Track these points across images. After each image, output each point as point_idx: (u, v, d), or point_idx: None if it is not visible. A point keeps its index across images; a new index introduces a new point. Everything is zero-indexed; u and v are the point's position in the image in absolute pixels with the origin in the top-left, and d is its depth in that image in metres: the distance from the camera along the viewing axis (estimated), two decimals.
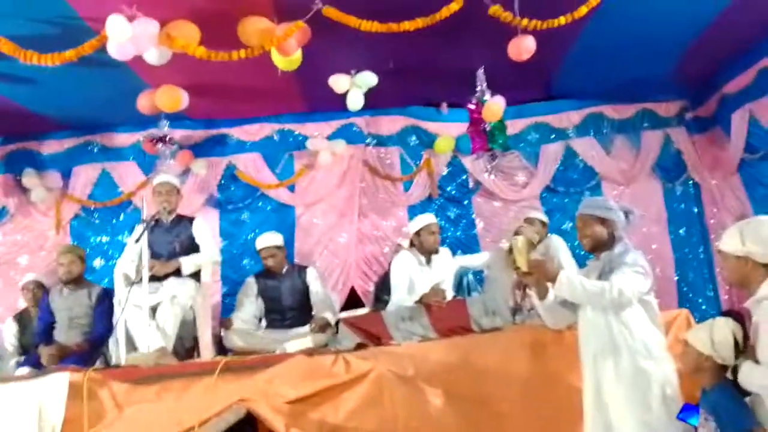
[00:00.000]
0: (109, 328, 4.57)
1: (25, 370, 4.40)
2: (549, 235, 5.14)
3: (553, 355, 3.55)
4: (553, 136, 6.36)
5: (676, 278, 6.22)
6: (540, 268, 3.10)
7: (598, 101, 6.32)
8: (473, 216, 6.33)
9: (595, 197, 3.72)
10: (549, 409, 3.40)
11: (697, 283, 6.23)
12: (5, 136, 6.08)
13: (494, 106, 5.12)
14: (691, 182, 6.41)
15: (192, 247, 4.74)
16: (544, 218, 5.32)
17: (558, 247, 4.88)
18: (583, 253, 6.01)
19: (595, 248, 3.20)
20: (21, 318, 5.39)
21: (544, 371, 3.51)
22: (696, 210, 6.39)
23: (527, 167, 6.32)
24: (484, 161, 5.82)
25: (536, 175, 6.28)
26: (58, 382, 3.36)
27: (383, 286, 5.39)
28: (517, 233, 4.84)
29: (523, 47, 4.18)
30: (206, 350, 4.53)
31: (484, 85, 5.14)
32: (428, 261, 4.80)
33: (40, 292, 5.28)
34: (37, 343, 4.69)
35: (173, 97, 4.97)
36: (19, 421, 3.28)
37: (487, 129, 5.25)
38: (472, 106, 5.24)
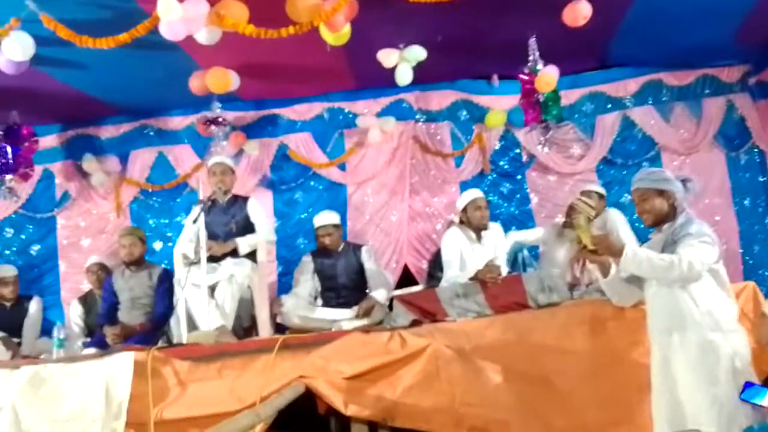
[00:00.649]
0: (170, 308, 4.69)
1: (91, 350, 4.54)
2: (607, 208, 5.01)
3: (614, 331, 3.47)
4: (609, 105, 6.15)
5: (741, 251, 5.98)
6: (604, 244, 3.01)
7: (657, 68, 6.08)
8: (527, 191, 6.21)
9: (650, 168, 3.57)
10: (610, 386, 3.33)
11: (763, 255, 5.97)
12: (64, 123, 6.27)
13: (547, 75, 4.99)
14: (755, 150, 6.12)
15: (247, 227, 4.80)
16: (602, 191, 5.19)
17: (616, 220, 4.76)
18: (642, 226, 5.87)
19: (657, 222, 3.09)
20: (85, 300, 5.58)
21: (604, 347, 3.44)
22: (761, 179, 6.11)
23: (583, 139, 6.13)
24: (537, 134, 5.67)
25: (592, 146, 6.10)
26: (124, 360, 3.46)
27: (436, 264, 5.37)
28: (572, 207, 4.74)
29: (579, 12, 4.05)
30: (264, 329, 4.59)
31: (537, 54, 5.01)
32: (478, 237, 4.74)
33: (103, 274, 5.44)
34: (101, 324, 4.84)
35: (223, 78, 5.03)
36: (88, 399, 3.39)
37: (541, 100, 5.12)
38: (524, 77, 5.12)
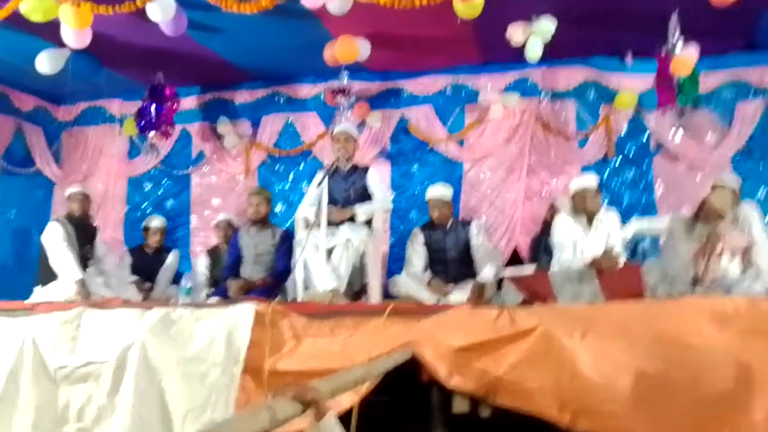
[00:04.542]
0: (288, 266, 4.93)
1: (214, 299, 4.88)
2: (741, 201, 4.70)
3: (736, 329, 3.28)
4: (751, 93, 5.70)
5: None
6: None
7: None
8: (653, 179, 5.90)
9: None
10: (724, 384, 3.15)
11: None
12: (204, 86, 6.67)
13: (686, 57, 4.71)
14: None
15: (365, 195, 4.91)
16: (736, 183, 4.86)
17: (750, 214, 4.46)
18: None
19: None
20: (212, 253, 5.98)
21: (725, 344, 3.25)
22: None
23: (719, 127, 5.73)
24: (670, 118, 5.38)
25: (729, 135, 5.68)
26: (246, 311, 3.61)
27: (537, 247, 5.30)
28: (705, 200, 4.49)
29: None
30: (374, 295, 4.71)
31: (677, 33, 4.72)
32: (589, 223, 4.59)
33: (230, 230, 5.81)
34: (225, 277, 5.19)
35: (350, 48, 5.16)
36: (211, 343, 3.61)
37: (677, 82, 4.85)
38: (662, 57, 4.85)
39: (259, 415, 1.55)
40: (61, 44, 4.70)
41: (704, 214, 4.49)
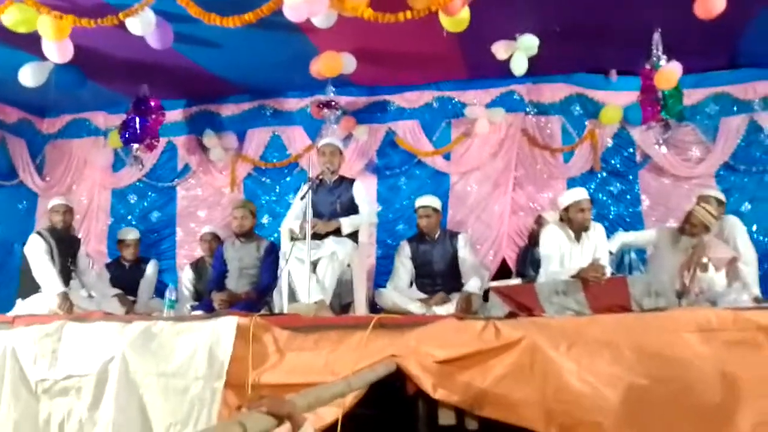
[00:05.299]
0: (274, 279, 4.88)
1: (198, 312, 4.81)
2: (726, 215, 4.73)
3: (721, 341, 3.27)
4: (735, 108, 5.77)
5: None
6: None
7: None
8: (638, 192, 5.94)
9: None
10: (710, 397, 3.14)
11: None
12: (189, 99, 6.65)
13: (669, 72, 4.77)
14: None
15: (351, 208, 4.90)
16: (721, 196, 4.89)
17: (735, 226, 4.48)
18: (763, 238, 5.50)
19: None
20: (197, 266, 5.93)
21: (710, 357, 3.25)
22: None
23: (703, 141, 5.79)
24: (655, 133, 5.42)
25: (713, 150, 5.75)
26: (228, 324, 3.56)
27: (524, 261, 5.29)
28: (691, 213, 4.52)
29: (711, 5, 3.82)
30: (360, 307, 4.69)
31: (660, 49, 4.78)
32: (578, 237, 4.59)
33: (215, 243, 5.76)
34: (210, 290, 5.14)
35: (334, 62, 5.19)
36: (192, 357, 3.55)
37: (661, 97, 4.89)
38: (645, 71, 4.90)
39: (230, 429, 1.51)
40: (45, 57, 4.65)
41: (690, 227, 4.52)
